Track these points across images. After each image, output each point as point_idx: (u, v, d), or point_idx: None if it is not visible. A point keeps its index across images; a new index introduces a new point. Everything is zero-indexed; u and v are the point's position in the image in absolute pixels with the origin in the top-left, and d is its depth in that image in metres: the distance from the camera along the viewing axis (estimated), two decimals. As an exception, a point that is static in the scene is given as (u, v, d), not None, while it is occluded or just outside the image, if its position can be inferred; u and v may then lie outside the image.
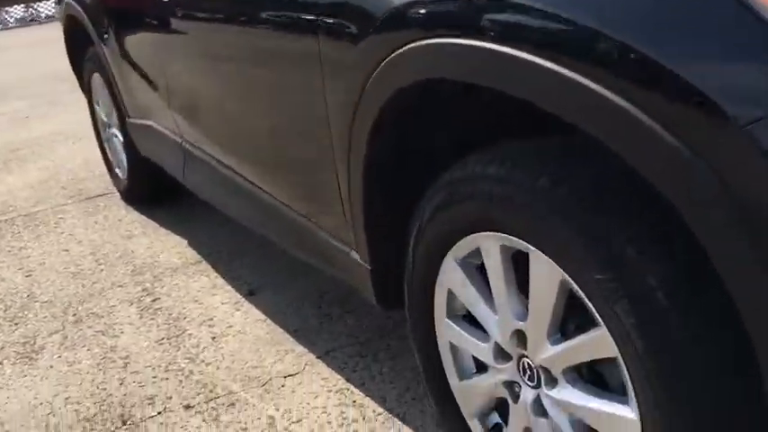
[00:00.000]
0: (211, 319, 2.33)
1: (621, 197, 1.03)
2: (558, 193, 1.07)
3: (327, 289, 2.42)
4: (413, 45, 1.21)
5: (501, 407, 1.40)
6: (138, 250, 2.93)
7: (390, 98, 1.31)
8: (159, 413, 1.90)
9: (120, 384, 2.05)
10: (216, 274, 2.64)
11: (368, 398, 1.86)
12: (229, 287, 2.53)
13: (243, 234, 2.91)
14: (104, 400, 1.98)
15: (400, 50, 1.23)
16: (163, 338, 2.26)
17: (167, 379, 2.05)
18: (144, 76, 2.65)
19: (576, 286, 1.07)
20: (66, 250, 3.01)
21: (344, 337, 2.14)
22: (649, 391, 1.00)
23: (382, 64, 1.28)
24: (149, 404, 1.95)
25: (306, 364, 2.03)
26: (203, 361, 2.11)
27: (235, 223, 3.01)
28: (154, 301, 2.50)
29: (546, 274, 1.12)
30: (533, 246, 1.13)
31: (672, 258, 0.97)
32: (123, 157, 3.31)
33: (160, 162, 2.83)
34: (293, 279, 2.52)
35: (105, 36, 2.89)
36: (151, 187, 3.33)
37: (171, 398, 1.96)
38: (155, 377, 2.06)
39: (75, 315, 2.47)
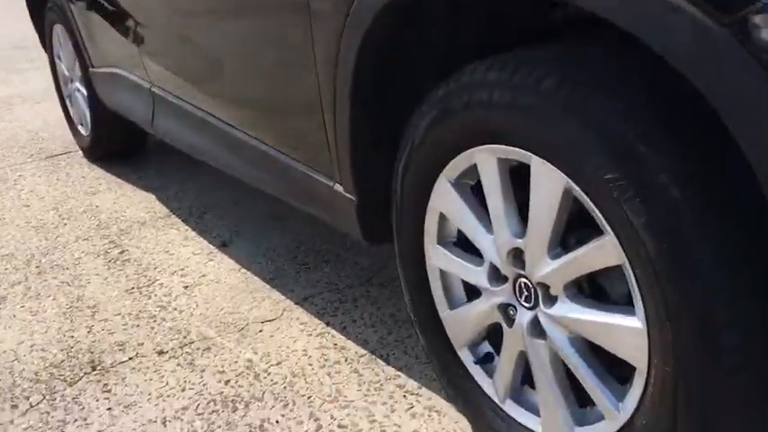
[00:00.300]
0: (183, 269, 2.25)
1: (630, 92, 0.99)
2: (564, 92, 1.02)
3: (304, 240, 2.36)
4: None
5: (493, 335, 1.36)
6: (103, 205, 2.82)
7: (377, 14, 1.26)
8: (131, 358, 1.83)
9: (89, 332, 1.96)
10: (186, 228, 2.55)
11: (349, 341, 1.80)
12: (201, 239, 2.45)
13: (214, 189, 2.83)
14: (72, 347, 1.90)
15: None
16: (132, 288, 2.17)
17: (138, 326, 1.96)
18: (110, 21, 2.54)
19: (581, 191, 1.03)
20: (28, 206, 2.89)
21: (323, 284, 2.09)
22: (658, 296, 0.96)
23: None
24: (120, 350, 1.86)
25: (284, 310, 1.97)
26: (176, 309, 2.03)
27: (206, 179, 2.94)
28: (121, 253, 2.40)
29: (548, 183, 1.08)
30: (535, 153, 1.08)
31: (685, 153, 0.93)
32: (86, 111, 3.18)
33: (126, 112, 2.72)
34: (268, 231, 2.45)
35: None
36: (116, 143, 3.21)
37: (143, 344, 1.88)
38: (125, 324, 1.98)
39: (38, 267, 2.36)
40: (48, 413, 1.65)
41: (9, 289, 2.23)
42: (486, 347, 1.38)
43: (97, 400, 1.68)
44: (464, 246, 1.34)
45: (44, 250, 2.47)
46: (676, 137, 0.95)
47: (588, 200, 1.03)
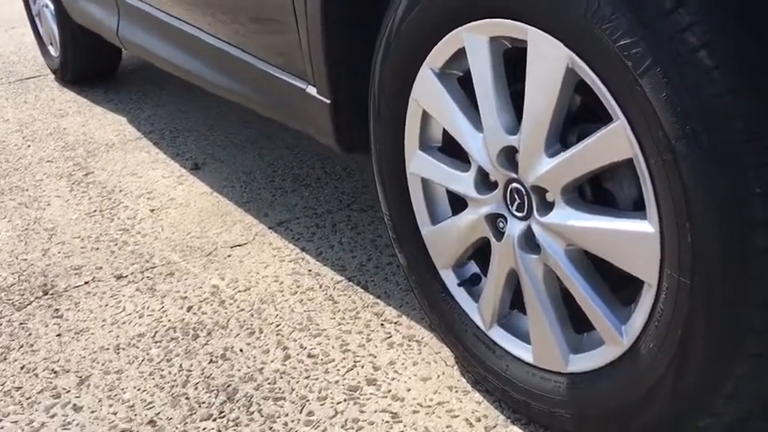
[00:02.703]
0: (150, 192, 2.08)
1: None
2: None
3: (282, 165, 2.18)
4: None
5: (479, 255, 1.20)
6: (70, 128, 2.63)
7: None
8: (86, 283, 1.67)
9: (44, 255, 1.80)
10: (157, 150, 2.37)
11: (325, 267, 1.65)
12: (172, 162, 2.27)
13: (190, 113, 2.65)
14: (24, 271, 1.74)
15: None
16: (95, 211, 2.00)
17: (98, 249, 1.80)
18: None
19: (587, 68, 0.86)
20: (-9, 128, 2.70)
21: (300, 209, 1.92)
22: (677, 190, 0.79)
23: None
24: (75, 274, 1.71)
25: (256, 235, 1.81)
26: (139, 233, 1.87)
27: (180, 103, 2.75)
28: (86, 175, 2.23)
29: (548, 62, 0.90)
30: (533, 24, 0.91)
31: (718, 8, 0.75)
32: (55, 29, 2.97)
33: (91, 23, 2.51)
34: (242, 154, 2.28)
35: None
36: (86, 64, 3.01)
37: (101, 268, 1.72)
38: (83, 248, 1.82)
39: (-5, 189, 2.19)
40: (-10, 339, 1.50)
41: (-38, 211, 2.07)
42: (473, 268, 1.22)
43: (46, 326, 1.53)
44: (449, 153, 1.17)
45: (3, 172, 2.30)
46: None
47: (596, 78, 0.85)
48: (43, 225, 1.95)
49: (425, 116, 1.16)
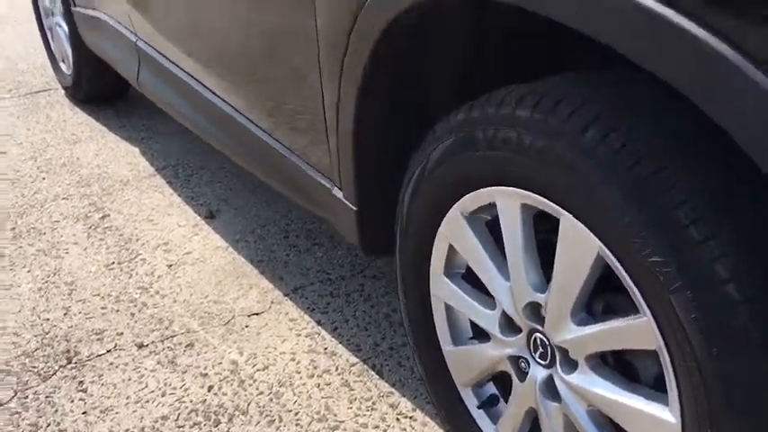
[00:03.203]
0: (167, 244, 2.12)
1: (694, 162, 0.85)
2: (610, 149, 0.88)
3: (294, 216, 2.22)
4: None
5: (499, 376, 1.25)
6: (84, 158, 2.66)
7: (391, 22, 1.10)
8: (109, 351, 1.72)
9: (65, 314, 1.85)
10: (171, 191, 2.41)
11: (340, 345, 1.70)
12: (187, 207, 2.31)
13: (200, 147, 2.67)
14: (47, 333, 1.78)
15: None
16: (113, 263, 2.04)
17: (118, 311, 1.85)
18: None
19: (618, 264, 0.90)
20: (4, 153, 2.72)
21: (314, 272, 1.97)
22: (701, 396, 0.85)
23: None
24: (98, 340, 1.76)
25: (272, 302, 1.86)
26: (158, 292, 1.92)
27: (192, 135, 2.76)
28: (103, 218, 2.26)
29: (579, 246, 0.95)
30: (567, 210, 0.95)
31: (747, 242, 0.80)
32: (68, 49, 2.98)
33: (110, 61, 2.53)
34: (256, 202, 2.31)
35: None
36: (99, 86, 3.02)
37: (122, 334, 1.77)
38: (104, 308, 1.86)
39: (14, 230, 2.22)
40: (18, 414, 1.55)
41: (-19, 255, 2.11)
42: (492, 389, 1.27)
43: (72, 401, 1.58)
44: (474, 280, 1.22)
45: (21, 209, 2.33)
46: (738, 220, 0.82)
47: (626, 275, 0.90)
48: (63, 278, 1.99)
49: (452, 248, 1.21)
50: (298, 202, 1.65)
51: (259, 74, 1.61)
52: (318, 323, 1.77)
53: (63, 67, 3.15)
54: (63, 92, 3.23)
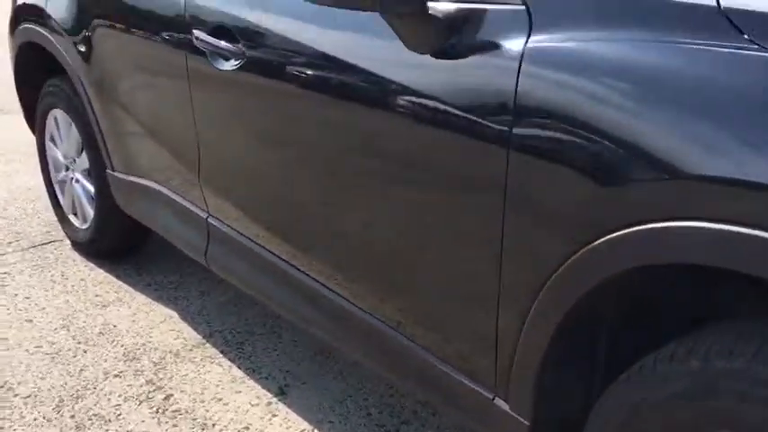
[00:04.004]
0: (248, 429, 2.07)
1: None
2: None
3: (368, 389, 2.22)
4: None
5: None
6: (120, 324, 2.57)
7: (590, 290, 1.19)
8: None
9: None
10: (229, 363, 2.36)
11: None
12: (252, 381, 2.26)
13: (238, 308, 2.64)
14: None
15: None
16: (197, 454, 1.97)
17: None
18: (155, 130, 2.32)
19: None
20: (30, 321, 2.59)
21: (412, 455, 1.96)
22: None
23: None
24: None
25: (383, 494, 1.83)
26: (258, 487, 1.86)
27: (228, 294, 2.73)
28: (166, 399, 2.19)
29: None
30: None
31: None
32: (87, 207, 2.92)
33: (162, 230, 2.50)
34: (323, 373, 2.30)
35: (93, 72, 2.51)
36: (120, 242, 2.96)
37: None
38: None
39: (73, 417, 2.11)
40: None
41: (49, 452, 1.98)
42: None
43: None
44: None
45: (72, 391, 2.22)
46: None
47: None
48: (149, 475, 1.90)
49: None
50: (433, 402, 1.67)
51: (412, 283, 1.59)
52: None
53: (74, 220, 3.06)
54: (69, 243, 3.13)
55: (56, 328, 2.55)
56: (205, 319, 2.61)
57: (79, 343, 2.46)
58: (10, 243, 3.18)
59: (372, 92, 1.51)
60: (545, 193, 1.24)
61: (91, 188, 2.86)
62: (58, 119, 2.93)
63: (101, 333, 2.52)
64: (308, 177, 1.76)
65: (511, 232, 1.31)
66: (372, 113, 1.52)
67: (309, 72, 1.67)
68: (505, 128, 1.26)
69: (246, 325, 2.56)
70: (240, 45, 1.82)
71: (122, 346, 2.45)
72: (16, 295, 2.76)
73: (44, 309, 2.67)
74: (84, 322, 2.58)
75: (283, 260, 1.95)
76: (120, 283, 2.85)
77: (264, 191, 1.95)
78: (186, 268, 2.93)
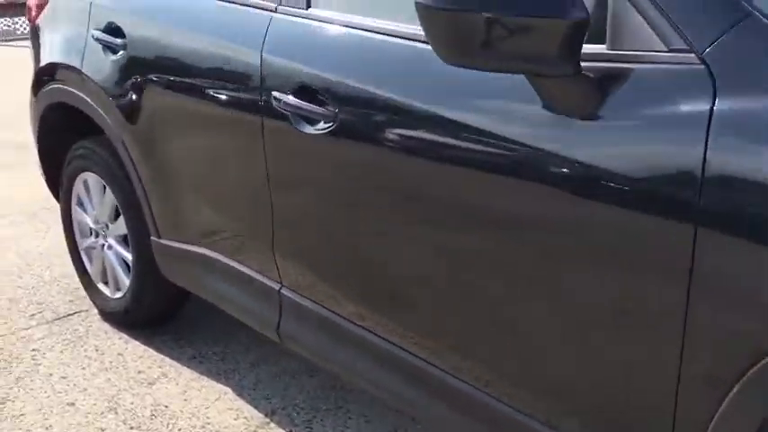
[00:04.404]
0: None
1: None
2: None
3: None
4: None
5: None
6: (172, 404, 2.38)
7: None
8: None
9: None
10: (302, 445, 2.18)
11: None
12: (333, 467, 2.09)
13: (294, 380, 2.48)
14: None
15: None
16: None
17: None
18: (216, 195, 2.17)
19: None
20: (72, 404, 2.39)
21: None
22: None
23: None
24: None
25: None
26: None
27: (279, 365, 2.55)
28: (242, 489, 2.00)
29: None
30: None
31: None
32: (122, 275, 2.73)
33: (217, 301, 2.33)
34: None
35: (139, 134, 2.35)
36: (158, 311, 2.78)
37: None
38: None
39: None
40: None
41: None
42: None
43: None
44: None
45: (136, 486, 2.02)
46: None
47: None
48: None
49: None
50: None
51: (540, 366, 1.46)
52: None
53: (103, 290, 2.87)
54: (97, 313, 2.93)
55: (102, 412, 2.35)
56: (263, 394, 2.43)
57: (131, 428, 2.27)
58: (33, 315, 2.97)
59: (510, 160, 1.39)
60: (741, 279, 1.11)
61: (127, 255, 2.68)
62: (89, 183, 2.76)
63: (153, 415, 2.33)
64: (412, 249, 1.63)
65: (695, 327, 1.18)
66: (506, 182, 1.39)
67: (424, 137, 1.54)
68: (692, 201, 1.14)
69: (309, 399, 2.39)
70: (330, 107, 1.69)
71: (179, 429, 2.26)
72: (51, 375, 2.55)
73: (85, 390, 2.47)
74: (132, 403, 2.39)
75: (378, 335, 1.79)
76: (162, 356, 2.66)
77: (356, 261, 1.81)
78: (228, 336, 2.76)
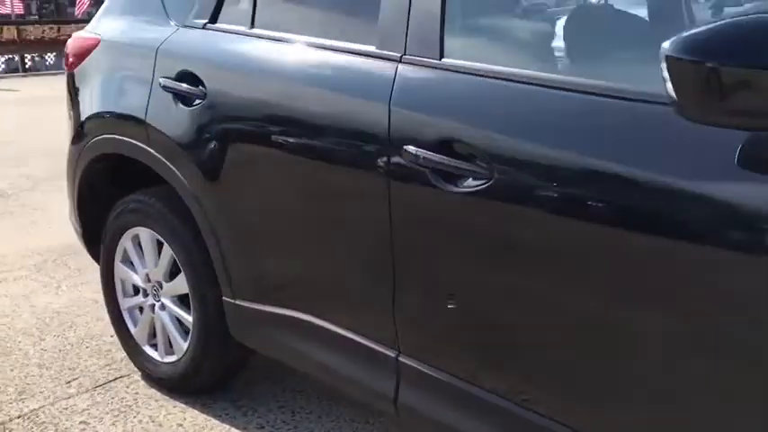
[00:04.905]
0: None
1: None
2: None
3: None
4: None
5: None
6: (254, 481, 2.19)
7: None
8: None
9: None
10: None
11: None
12: None
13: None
14: None
15: None
16: None
17: None
18: (318, 255, 2.01)
19: None
20: (143, 484, 2.18)
21: None
22: None
23: None
24: None
25: None
26: None
27: (335, 423, 2.39)
28: None
29: None
30: None
31: None
32: (178, 337, 2.54)
33: (311, 369, 2.16)
34: None
35: (218, 189, 2.19)
36: (222, 375, 2.60)
37: None
38: None
39: None
40: None
41: None
42: None
43: None
44: None
45: None
46: None
47: None
48: None
49: None
50: None
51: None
52: None
53: (152, 353, 2.67)
54: (140, 379, 2.72)
55: (180, 494, 2.14)
56: (348, 465, 2.27)
57: None
58: (69, 383, 2.73)
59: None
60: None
61: (185, 316, 2.49)
62: (142, 238, 2.57)
63: (237, 496, 2.13)
64: (568, 321, 1.53)
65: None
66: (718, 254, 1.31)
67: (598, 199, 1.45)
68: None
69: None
70: (482, 163, 1.59)
71: None
72: (108, 452, 2.33)
73: (152, 469, 2.26)
74: (211, 483, 2.19)
75: (516, 403, 1.67)
76: (226, 426, 2.46)
77: (500, 329, 1.69)
78: (293, 401, 2.58)
